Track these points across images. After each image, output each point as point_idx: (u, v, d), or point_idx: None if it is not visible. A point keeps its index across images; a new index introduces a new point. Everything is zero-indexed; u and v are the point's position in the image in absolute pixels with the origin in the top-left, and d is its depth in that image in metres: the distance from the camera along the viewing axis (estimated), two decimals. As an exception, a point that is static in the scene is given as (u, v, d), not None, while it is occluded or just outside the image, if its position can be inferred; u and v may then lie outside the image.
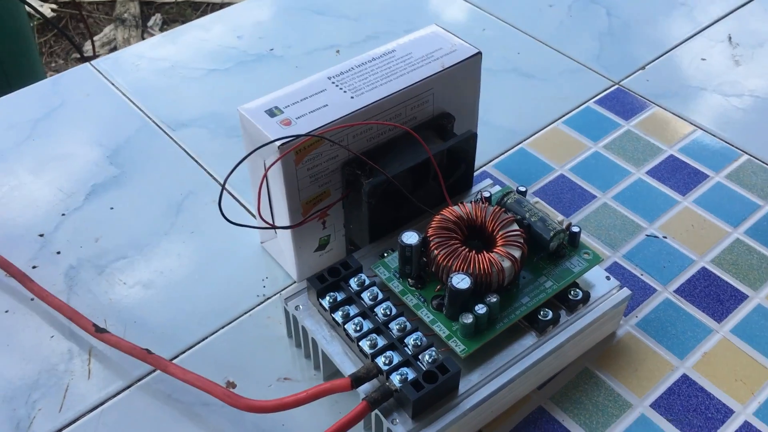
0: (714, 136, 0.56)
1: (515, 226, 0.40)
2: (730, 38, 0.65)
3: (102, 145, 0.56)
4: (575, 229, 0.42)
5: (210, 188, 0.53)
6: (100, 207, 0.51)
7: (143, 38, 1.64)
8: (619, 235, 0.49)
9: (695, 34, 0.66)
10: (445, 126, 0.46)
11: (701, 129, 0.57)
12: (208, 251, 0.48)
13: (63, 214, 0.51)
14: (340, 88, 0.43)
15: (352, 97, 0.42)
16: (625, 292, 0.41)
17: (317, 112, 0.41)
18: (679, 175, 0.53)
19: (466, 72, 0.45)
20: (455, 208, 0.41)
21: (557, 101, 0.60)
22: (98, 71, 0.63)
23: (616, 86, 0.61)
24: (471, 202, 0.41)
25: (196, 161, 0.55)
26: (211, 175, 0.54)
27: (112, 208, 0.51)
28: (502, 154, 0.55)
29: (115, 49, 1.57)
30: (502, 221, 0.40)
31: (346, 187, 0.43)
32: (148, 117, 0.58)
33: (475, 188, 0.48)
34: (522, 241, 0.39)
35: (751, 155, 0.55)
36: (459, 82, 0.45)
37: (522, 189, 0.44)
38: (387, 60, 0.45)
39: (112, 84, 0.61)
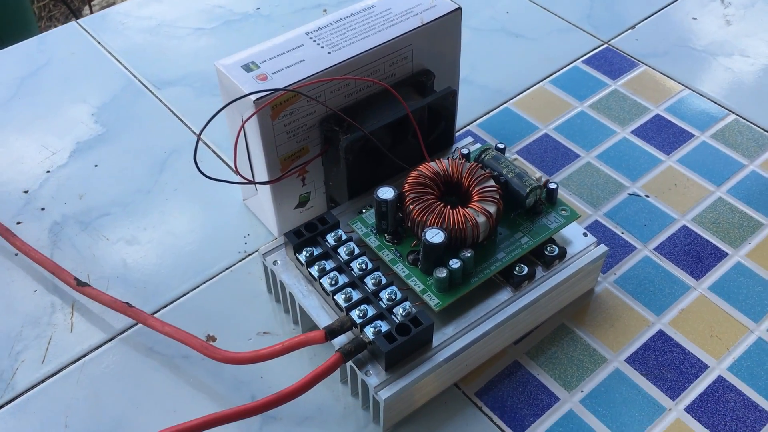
0: (701, 95, 0.56)
1: (491, 182, 0.40)
2: (722, -3, 0.65)
3: (87, 103, 0.56)
4: (552, 185, 0.42)
5: (193, 146, 0.53)
6: (84, 164, 0.51)
7: None
8: (601, 194, 0.49)
9: (687, -7, 0.65)
10: (425, 83, 0.46)
11: (689, 89, 0.56)
12: (191, 209, 0.49)
13: (48, 171, 0.51)
14: (318, 44, 0.43)
15: (329, 53, 0.42)
16: (602, 248, 0.41)
17: (294, 67, 0.41)
18: (664, 134, 0.53)
19: (446, 28, 0.45)
20: (432, 164, 0.41)
21: (545, 61, 0.59)
22: (84, 30, 0.62)
23: (605, 45, 0.60)
24: (448, 159, 0.41)
25: (181, 119, 0.55)
26: (195, 134, 0.54)
27: (96, 166, 0.51)
28: (487, 113, 0.55)
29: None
30: (478, 177, 0.40)
31: (325, 144, 0.43)
32: (134, 75, 0.58)
33: (456, 145, 0.48)
34: (498, 196, 0.39)
35: (738, 114, 0.54)
36: (439, 38, 0.45)
37: (501, 146, 0.44)
38: (366, 15, 0.44)
39: (98, 42, 0.61)
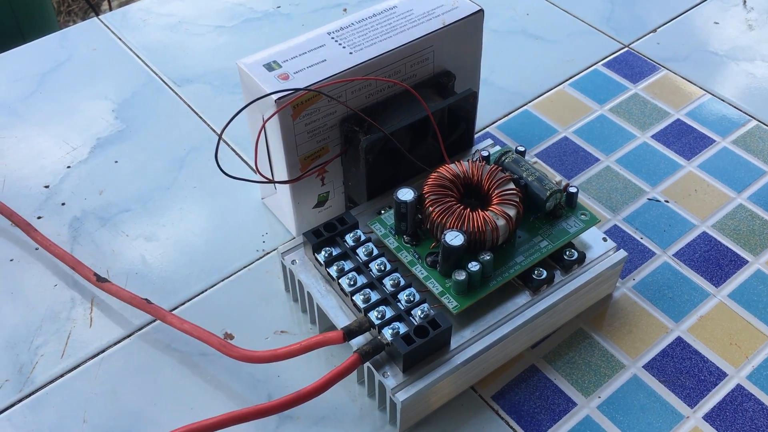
0: (723, 101, 0.55)
1: (511, 185, 0.40)
2: (744, 2, 0.64)
3: (108, 99, 0.56)
4: (572, 189, 0.41)
5: (213, 144, 0.53)
6: (105, 160, 0.52)
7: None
8: (621, 199, 0.49)
9: (709, -3, 0.65)
10: (446, 84, 0.46)
11: (710, 93, 0.56)
12: (210, 206, 0.49)
13: (68, 167, 0.51)
14: (340, 44, 0.43)
15: (351, 53, 0.42)
16: (621, 253, 0.41)
17: (315, 66, 0.41)
18: (684, 139, 0.53)
19: (468, 29, 0.45)
20: (452, 166, 0.41)
21: (565, 63, 0.59)
22: (106, 26, 0.63)
23: (626, 49, 0.60)
24: (468, 161, 0.41)
25: (200, 117, 0.55)
26: (214, 131, 0.54)
27: (116, 162, 0.52)
28: (507, 115, 0.55)
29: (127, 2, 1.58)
30: (498, 180, 0.40)
31: (345, 144, 0.43)
32: (154, 72, 0.58)
33: (476, 147, 0.47)
34: (517, 200, 0.39)
35: (759, 121, 0.54)
36: (460, 39, 0.45)
37: (521, 149, 0.44)
38: (388, 16, 0.44)
39: (120, 39, 0.61)
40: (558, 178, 0.43)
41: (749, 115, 0.54)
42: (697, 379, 0.40)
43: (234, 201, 0.49)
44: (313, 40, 0.43)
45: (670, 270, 0.45)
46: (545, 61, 0.59)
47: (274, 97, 0.39)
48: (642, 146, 0.52)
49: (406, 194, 0.39)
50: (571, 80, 0.58)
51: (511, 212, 0.39)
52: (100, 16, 0.64)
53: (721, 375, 0.40)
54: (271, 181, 0.43)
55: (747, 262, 0.45)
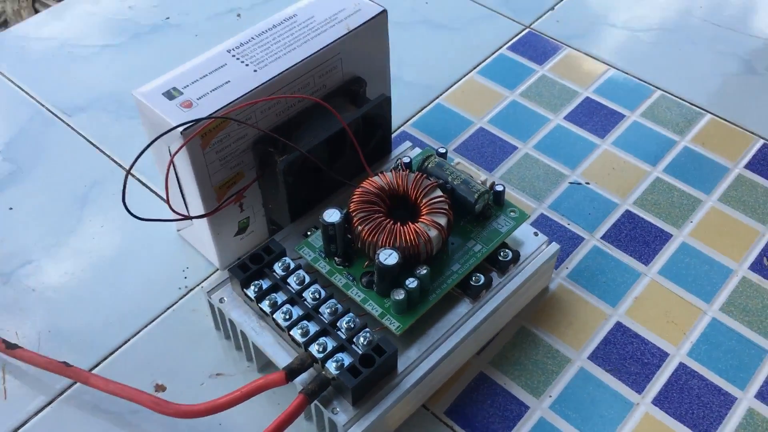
0: (626, 73, 0.56)
1: (438, 192, 0.39)
2: (635, -29, 0.65)
3: (-9, 139, 0.52)
4: (499, 188, 0.41)
5: (116, 176, 0.49)
6: (-4, 208, 0.48)
7: (35, 8, 1.54)
8: (543, 186, 0.49)
9: (601, -31, 0.65)
10: (357, 91, 0.44)
11: (613, 68, 0.56)
12: (121, 246, 0.46)
13: (-44, 221, 0.47)
14: (242, 62, 0.40)
15: (255, 71, 0.40)
16: (554, 246, 0.41)
17: (219, 90, 0.39)
18: (596, 117, 0.53)
19: (373, 32, 0.43)
20: (375, 179, 0.39)
21: (470, 51, 0.58)
22: (-22, 57, 0.58)
23: (528, 30, 0.60)
24: (391, 171, 0.40)
25: (98, 148, 0.51)
26: (115, 162, 0.50)
27: (11, 209, 0.48)
28: (419, 111, 0.54)
29: (6, 23, 1.47)
30: (424, 188, 0.39)
31: (260, 167, 0.41)
32: (40, 104, 0.54)
33: (395, 152, 0.46)
34: (447, 207, 0.38)
35: (664, 90, 0.55)
36: (367, 43, 0.43)
37: (442, 150, 0.43)
38: (288, 26, 0.42)
39: (-5, 70, 0.57)
40: (483, 176, 0.42)
41: (653, 85, 0.55)
42: (641, 363, 0.40)
43: (147, 236, 0.46)
44: (212, 60, 0.40)
45: (600, 254, 0.45)
46: (451, 51, 0.58)
47: (180, 128, 0.36)
48: (557, 129, 0.52)
49: (332, 215, 0.37)
50: (478, 68, 0.57)
51: (442, 221, 0.38)
52: (-31, 47, 0.59)
53: (663, 356, 0.40)
54: (188, 217, 0.40)
55: (671, 236, 0.46)
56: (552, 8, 0.62)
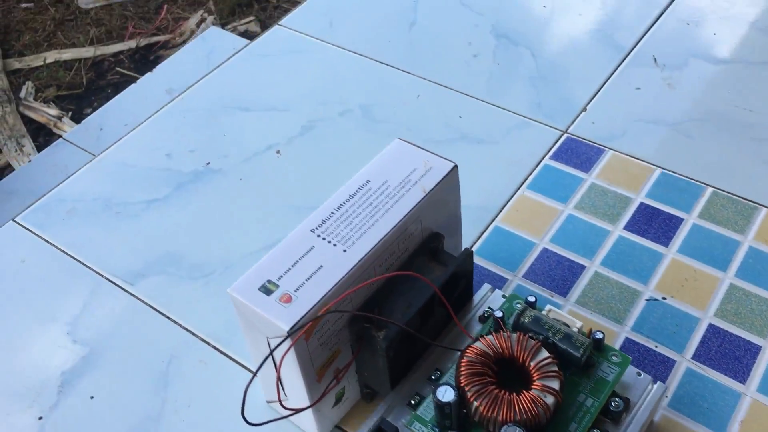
0: (674, 173, 0.57)
1: (545, 354, 0.39)
2: (655, 60, 0.66)
3: (57, 320, 0.51)
4: (598, 335, 0.41)
5: (192, 346, 0.49)
6: (78, 399, 0.47)
7: (19, 111, 1.54)
8: (620, 306, 0.49)
9: (622, 62, 0.66)
10: (437, 247, 0.44)
11: (659, 168, 0.57)
12: (209, 424, 0.45)
13: (40, 418, 0.46)
14: (329, 242, 0.40)
15: (344, 251, 0.40)
16: (661, 387, 0.41)
17: (315, 277, 0.38)
18: (655, 223, 0.53)
19: (448, 188, 0.44)
20: (479, 345, 0.39)
21: (514, 165, 0.59)
22: (26, 228, 0.57)
23: (565, 135, 0.61)
24: (492, 333, 0.40)
25: (167, 317, 0.51)
26: (188, 330, 0.50)
27: (92, 398, 0.47)
28: (479, 237, 0.54)
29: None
30: (530, 350, 0.39)
31: (357, 342, 0.41)
32: (99, 273, 0.54)
33: (476, 296, 0.46)
34: (557, 369, 0.38)
35: (714, 187, 0.55)
36: (442, 199, 0.44)
37: (531, 299, 0.43)
38: (365, 195, 0.42)
39: (47, 241, 0.56)
40: (578, 324, 0.42)
41: (703, 183, 0.56)
42: (762, 492, 0.40)
43: (236, 411, 0.45)
44: (299, 243, 0.40)
45: (695, 376, 0.45)
46: (495, 166, 0.59)
47: (286, 328, 0.36)
48: (619, 241, 0.53)
49: (446, 394, 0.37)
50: (526, 182, 0.57)
51: (556, 385, 0.38)
52: (16, 218, 0.58)
53: (781, 482, 0.40)
54: (299, 410, 0.39)
55: (760, 347, 0.46)
56: (584, 109, 0.63)
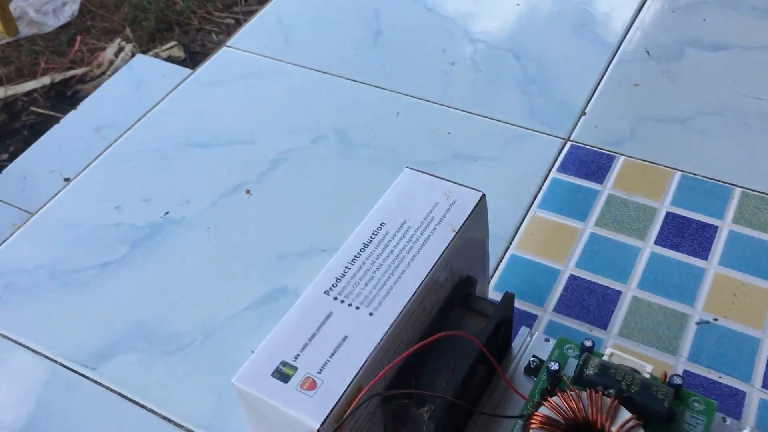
0: (695, 175, 0.51)
1: (627, 414, 0.32)
2: (648, 52, 0.61)
3: (4, 426, 0.42)
4: (676, 380, 0.34)
5: (163, 429, 0.41)
6: None
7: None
8: (669, 333, 0.43)
9: (613, 57, 0.61)
10: (471, 293, 0.37)
11: (678, 170, 0.52)
12: None
13: None
14: (349, 304, 0.32)
15: (371, 314, 0.32)
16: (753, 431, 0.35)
17: (340, 352, 0.31)
18: (687, 234, 0.48)
19: (477, 222, 0.37)
20: (544, 411, 0.32)
21: (518, 182, 0.52)
22: (-46, 314, 0.47)
23: (569, 143, 0.54)
24: (558, 394, 0.33)
25: (141, 405, 0.42)
26: (166, 419, 0.41)
27: None
28: (495, 270, 0.47)
29: None
30: (608, 411, 0.32)
31: (392, 422, 0.33)
32: (54, 361, 0.44)
33: (515, 343, 0.39)
34: (642, 430, 0.32)
35: (743, 187, 0.50)
36: (472, 235, 0.37)
37: (588, 344, 0.36)
38: (383, 242, 0.35)
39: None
40: (648, 368, 0.36)
41: (729, 183, 0.51)
42: None
43: None
44: (313, 310, 0.32)
45: (771, 409, 0.39)
46: (498, 185, 0.52)
47: (316, 425, 0.29)
48: (653, 258, 0.47)
49: (520, 481, 0.30)
50: (536, 201, 0.51)
51: (647, 451, 0.31)
52: (-60, 303, 0.48)
53: None
54: None
55: (835, 366, 0.41)
56: (584, 112, 0.57)
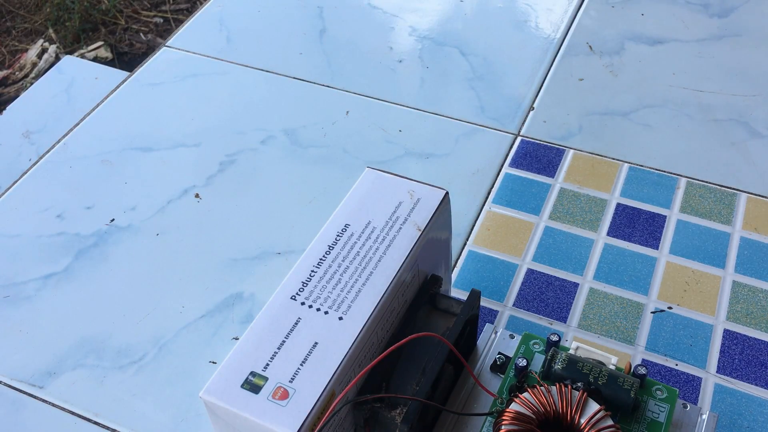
0: (641, 166, 0.52)
1: (595, 406, 0.32)
2: (590, 47, 0.62)
3: (-52, 451, 0.39)
4: (641, 370, 0.35)
5: (136, 455, 0.39)
6: None
7: None
8: (626, 323, 0.44)
9: (557, 52, 0.62)
10: (437, 291, 0.37)
11: (625, 162, 0.53)
12: None
13: None
14: (318, 309, 0.32)
15: (340, 318, 0.31)
16: (713, 416, 0.36)
17: (312, 359, 0.30)
18: (638, 224, 0.49)
19: (442, 221, 0.36)
20: (516, 407, 0.32)
21: (471, 178, 0.52)
22: None
23: (519, 138, 0.55)
24: (528, 390, 0.33)
25: (95, 422, 0.40)
26: (126, 435, 0.40)
27: None
28: (454, 265, 0.47)
29: None
30: (578, 405, 0.32)
31: (364, 426, 0.33)
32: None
33: (479, 341, 0.39)
34: (612, 422, 0.32)
35: (688, 177, 0.51)
36: (437, 233, 0.36)
37: (554, 339, 0.36)
38: (348, 243, 0.34)
39: None
40: (613, 359, 0.36)
41: (674, 174, 0.52)
42: None
43: None
44: (280, 316, 0.32)
45: (727, 392, 0.40)
46: (451, 182, 0.52)
47: (291, 435, 0.28)
48: (607, 250, 0.47)
49: (497, 479, 0.30)
50: (490, 196, 0.51)
51: (618, 442, 0.31)
52: None
53: None
54: None
55: (784, 348, 0.42)
56: (532, 107, 0.57)
